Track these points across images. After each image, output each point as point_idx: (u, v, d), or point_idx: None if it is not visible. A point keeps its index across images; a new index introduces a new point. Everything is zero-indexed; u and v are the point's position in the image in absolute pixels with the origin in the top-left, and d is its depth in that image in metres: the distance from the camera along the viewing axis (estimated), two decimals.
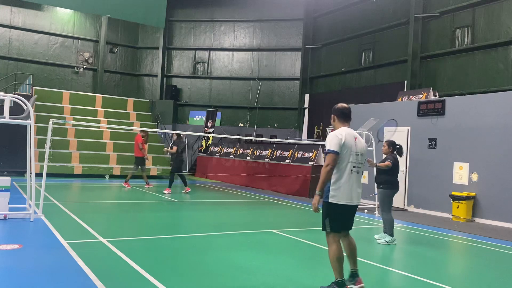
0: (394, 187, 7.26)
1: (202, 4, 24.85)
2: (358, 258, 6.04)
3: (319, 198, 4.29)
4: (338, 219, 4.33)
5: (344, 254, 4.43)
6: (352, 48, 20.78)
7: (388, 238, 7.29)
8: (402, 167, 12.38)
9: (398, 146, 7.45)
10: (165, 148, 14.82)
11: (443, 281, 5.26)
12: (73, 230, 7.04)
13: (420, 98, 12.98)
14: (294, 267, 5.50)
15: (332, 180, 4.29)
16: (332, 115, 4.57)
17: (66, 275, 4.66)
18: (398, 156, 7.43)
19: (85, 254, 5.45)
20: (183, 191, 13.29)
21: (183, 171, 13.59)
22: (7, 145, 16.05)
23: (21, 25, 21.60)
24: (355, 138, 4.40)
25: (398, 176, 7.47)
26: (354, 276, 4.48)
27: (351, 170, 4.29)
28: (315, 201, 4.29)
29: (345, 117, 4.51)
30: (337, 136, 4.31)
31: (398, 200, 12.34)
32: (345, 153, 4.27)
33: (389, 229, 7.28)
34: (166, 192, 12.87)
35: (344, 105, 4.56)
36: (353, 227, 4.62)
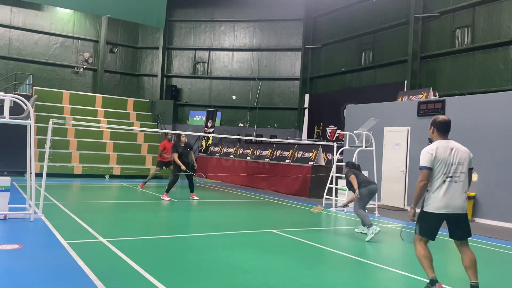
0: (361, 185, 7.94)
1: (202, 4, 24.85)
2: (358, 258, 6.04)
3: (413, 211, 4.61)
4: (428, 225, 4.53)
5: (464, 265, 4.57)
6: (352, 48, 20.78)
7: (371, 230, 7.48)
8: (402, 167, 12.41)
9: (353, 165, 8.48)
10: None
11: (443, 281, 5.25)
12: (73, 230, 7.03)
13: (420, 98, 12.98)
14: (294, 267, 5.50)
15: (428, 191, 4.52)
16: (432, 127, 4.70)
17: (66, 275, 4.66)
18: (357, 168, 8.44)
19: (85, 254, 5.45)
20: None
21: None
22: (7, 145, 16.04)
23: (21, 25, 21.60)
24: (452, 149, 4.51)
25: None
26: None
27: (444, 181, 4.43)
28: (410, 214, 4.64)
29: (445, 131, 4.64)
30: (428, 152, 4.50)
31: (398, 200, 12.35)
32: (437, 166, 4.45)
33: (367, 222, 7.64)
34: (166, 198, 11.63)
35: (445, 118, 4.68)
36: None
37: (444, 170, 4.44)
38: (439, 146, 4.51)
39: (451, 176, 4.44)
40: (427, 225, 4.52)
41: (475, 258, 4.51)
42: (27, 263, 5.04)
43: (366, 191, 7.94)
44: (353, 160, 10.94)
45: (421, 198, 4.54)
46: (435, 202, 4.42)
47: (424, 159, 4.49)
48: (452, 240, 4.66)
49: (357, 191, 7.91)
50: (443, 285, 4.51)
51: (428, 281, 4.53)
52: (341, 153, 13.24)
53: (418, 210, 4.68)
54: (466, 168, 4.55)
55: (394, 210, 11.99)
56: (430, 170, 4.45)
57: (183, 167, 11.52)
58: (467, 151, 4.63)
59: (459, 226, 4.51)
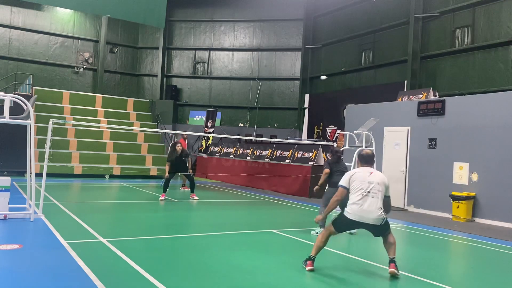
0: (332, 185, 7.74)
1: (202, 4, 24.84)
2: (357, 258, 6.06)
3: (320, 218, 6.07)
4: (341, 224, 5.37)
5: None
6: (352, 48, 20.78)
7: (318, 229, 7.75)
8: (402, 167, 12.41)
9: (336, 152, 8.31)
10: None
11: (443, 281, 5.26)
12: (73, 230, 7.04)
13: (420, 98, 12.98)
14: (294, 267, 5.50)
15: (349, 202, 5.30)
16: (357, 159, 5.84)
17: (66, 275, 4.66)
18: (337, 158, 8.22)
19: (85, 254, 5.45)
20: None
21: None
22: (7, 145, 16.04)
23: (21, 25, 21.60)
24: (371, 173, 5.36)
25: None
26: (390, 262, 5.34)
27: (362, 195, 5.18)
28: (316, 219, 6.03)
29: (366, 162, 5.57)
30: (348, 174, 5.45)
31: (398, 200, 12.35)
32: (354, 184, 5.29)
33: (321, 222, 7.57)
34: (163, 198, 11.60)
35: (368, 152, 5.64)
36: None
37: (361, 186, 5.22)
38: (359, 170, 5.44)
39: (369, 192, 5.19)
40: (341, 223, 5.35)
41: (394, 240, 5.37)
42: (27, 263, 5.03)
43: (335, 191, 7.65)
44: (353, 160, 10.94)
45: (332, 211, 5.55)
46: (353, 213, 5.19)
47: (343, 180, 5.41)
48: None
49: (317, 187, 8.11)
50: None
51: (308, 256, 5.43)
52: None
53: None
54: (383, 189, 5.23)
55: (394, 210, 11.98)
56: (345, 189, 5.34)
57: (166, 175, 11.67)
58: (385, 177, 5.40)
59: (374, 231, 5.33)
